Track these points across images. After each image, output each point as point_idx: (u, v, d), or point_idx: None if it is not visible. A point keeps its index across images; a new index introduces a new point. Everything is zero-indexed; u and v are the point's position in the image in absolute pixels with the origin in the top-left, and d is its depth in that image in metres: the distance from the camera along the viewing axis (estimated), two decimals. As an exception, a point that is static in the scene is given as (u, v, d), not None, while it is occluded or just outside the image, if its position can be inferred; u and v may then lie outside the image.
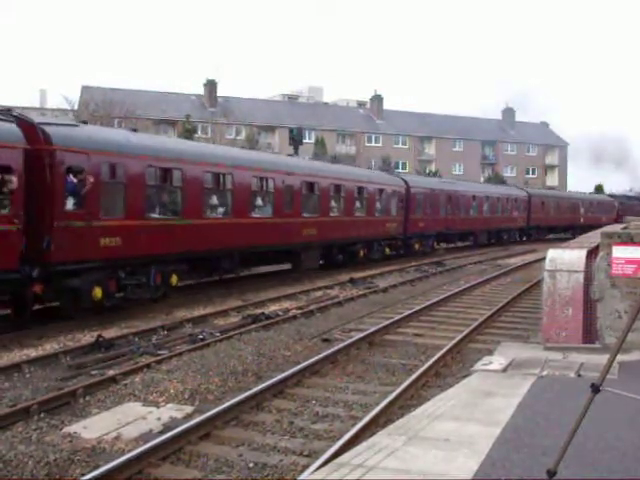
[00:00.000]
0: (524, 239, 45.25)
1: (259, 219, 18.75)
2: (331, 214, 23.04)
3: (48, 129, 12.43)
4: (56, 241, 12.11)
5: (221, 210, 17.39)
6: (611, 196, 63.17)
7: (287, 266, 22.02)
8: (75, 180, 12.76)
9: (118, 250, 13.50)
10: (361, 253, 25.33)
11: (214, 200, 17.05)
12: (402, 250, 29.81)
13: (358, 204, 25.40)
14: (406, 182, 30.70)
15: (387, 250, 28.04)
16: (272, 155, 24.88)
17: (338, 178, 23.85)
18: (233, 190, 17.52)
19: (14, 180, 11.35)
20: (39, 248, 11.93)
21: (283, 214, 19.74)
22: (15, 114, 12.58)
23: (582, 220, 50.56)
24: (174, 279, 15.29)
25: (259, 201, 18.99)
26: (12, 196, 11.39)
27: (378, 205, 27.12)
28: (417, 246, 31.26)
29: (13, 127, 11.78)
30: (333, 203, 23.50)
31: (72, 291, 12.66)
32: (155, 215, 14.89)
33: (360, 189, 25.38)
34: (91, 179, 12.83)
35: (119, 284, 13.72)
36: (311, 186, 21.79)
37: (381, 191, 27.40)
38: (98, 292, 12.96)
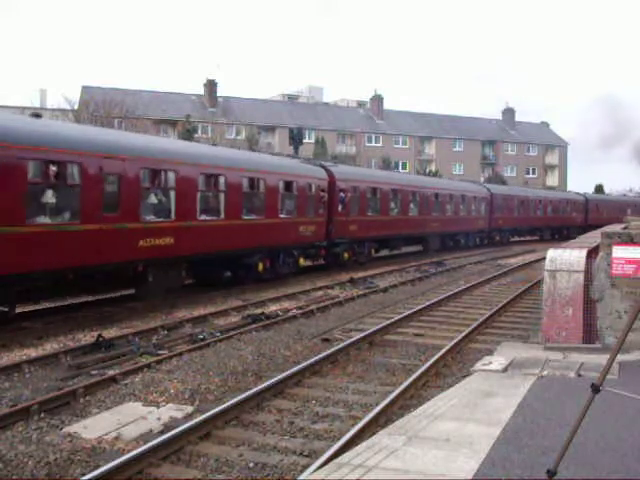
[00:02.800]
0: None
1: (412, 216, 30.02)
2: (447, 214, 33.84)
3: (331, 168, 23.92)
4: (334, 227, 23.00)
5: (396, 210, 28.53)
6: None
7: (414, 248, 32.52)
8: (343, 195, 23.63)
9: (355, 233, 24.50)
10: (462, 242, 35.84)
11: (392, 204, 28.34)
12: (486, 240, 39.38)
13: (462, 207, 35.60)
14: (489, 190, 40.60)
15: (477, 240, 38.05)
16: (416, 176, 39.31)
17: (451, 189, 35.24)
18: (401, 198, 29.03)
19: (325, 196, 22.39)
20: (327, 231, 22.62)
21: (422, 213, 30.94)
22: (314, 161, 25.65)
23: None
24: (372, 252, 26.69)
25: (411, 205, 30.11)
26: (324, 204, 22.29)
27: (473, 207, 37.23)
28: (497, 238, 40.83)
29: (323, 170, 23.05)
30: (447, 207, 34.02)
31: (335, 255, 23.60)
32: (370, 213, 26.19)
33: (463, 196, 35.91)
34: (349, 194, 24.06)
35: (355, 252, 24.71)
36: (436, 195, 32.85)
37: (475, 197, 37.71)
38: (346, 255, 24.03)
